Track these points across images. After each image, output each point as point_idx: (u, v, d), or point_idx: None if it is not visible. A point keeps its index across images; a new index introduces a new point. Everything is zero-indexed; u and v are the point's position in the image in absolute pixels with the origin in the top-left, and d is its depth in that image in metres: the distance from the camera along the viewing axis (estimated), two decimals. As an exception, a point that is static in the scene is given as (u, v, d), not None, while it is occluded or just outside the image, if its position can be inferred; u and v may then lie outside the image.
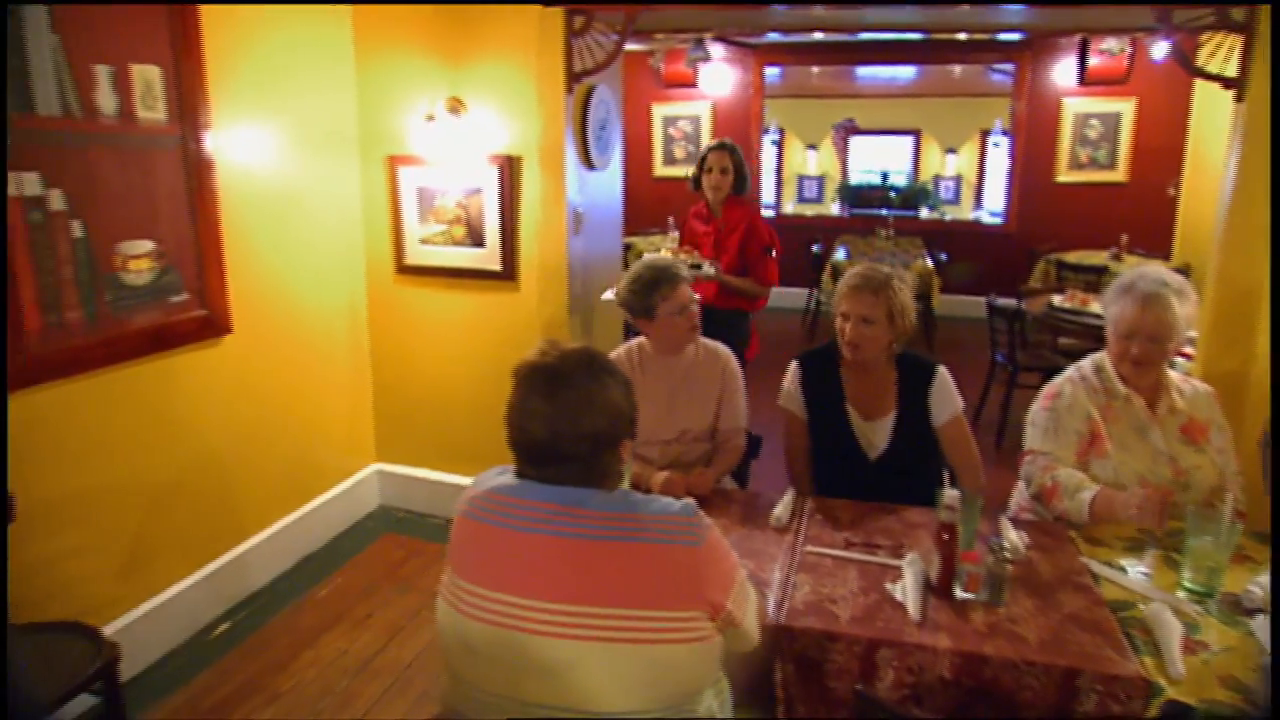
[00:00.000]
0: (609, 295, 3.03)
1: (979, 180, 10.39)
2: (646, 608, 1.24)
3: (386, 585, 3.23)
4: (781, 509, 2.13)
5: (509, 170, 3.29)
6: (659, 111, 8.39)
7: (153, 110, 2.60)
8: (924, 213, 9.69)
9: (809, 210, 10.65)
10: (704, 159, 3.51)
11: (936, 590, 1.80)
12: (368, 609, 3.07)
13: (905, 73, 10.15)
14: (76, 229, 2.37)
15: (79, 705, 2.04)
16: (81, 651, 1.97)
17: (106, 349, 2.48)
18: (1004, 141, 9.28)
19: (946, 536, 1.78)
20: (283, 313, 3.21)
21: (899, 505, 2.20)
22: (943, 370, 2.35)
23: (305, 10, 3.22)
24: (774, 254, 3.53)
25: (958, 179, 10.64)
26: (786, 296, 8.45)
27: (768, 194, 8.96)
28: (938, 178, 10.65)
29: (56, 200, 2.31)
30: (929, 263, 6.71)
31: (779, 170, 10.49)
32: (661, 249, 3.59)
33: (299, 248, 3.29)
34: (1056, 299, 4.99)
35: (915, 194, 9.94)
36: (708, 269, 3.36)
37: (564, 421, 1.30)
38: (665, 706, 1.27)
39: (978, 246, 8.11)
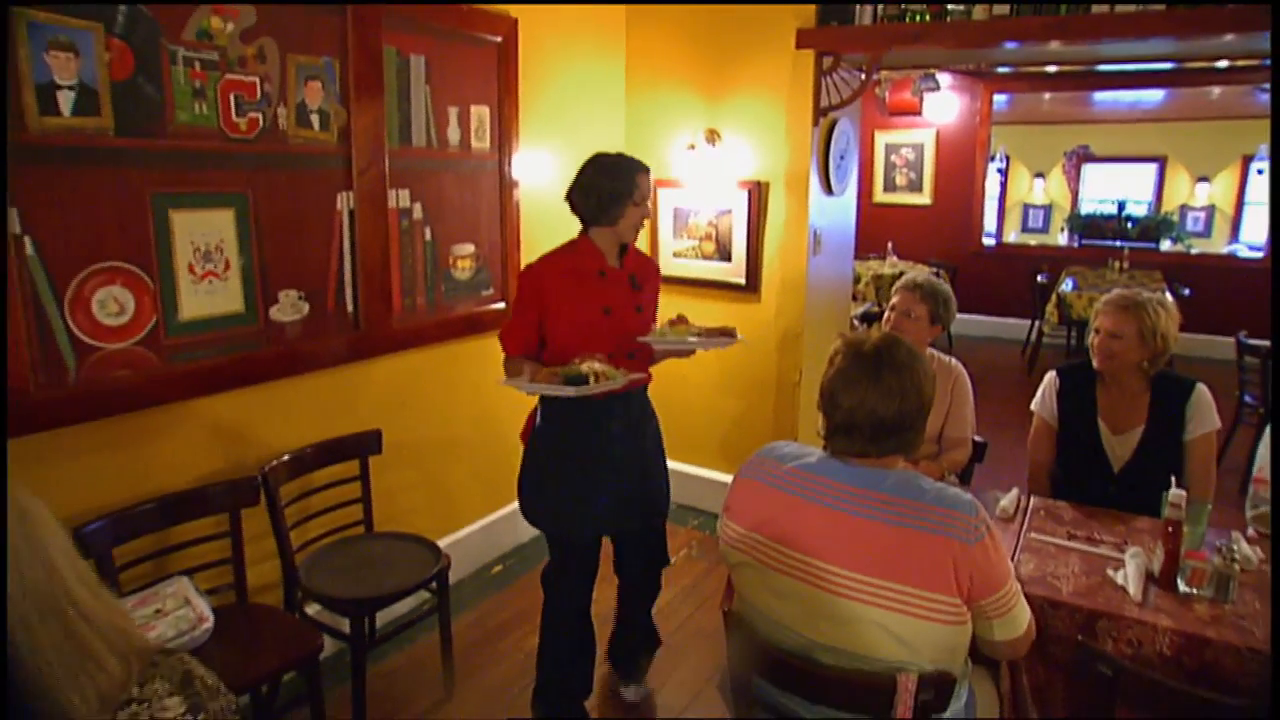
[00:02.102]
0: (859, 311, 3.28)
1: (1237, 210, 9.56)
2: (912, 584, 1.45)
3: (627, 551, 3.70)
4: (1007, 501, 2.34)
5: (757, 194, 3.70)
6: (881, 139, 8.52)
7: (482, 141, 3.26)
8: (1165, 245, 9.07)
9: (1032, 240, 10.28)
10: (635, 186, 2.39)
11: (1159, 581, 1.95)
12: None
13: (1151, 96, 9.54)
14: (427, 234, 3.05)
15: (417, 599, 2.65)
16: (426, 556, 2.57)
17: (439, 329, 3.15)
18: (1269, 169, 8.53)
19: (1171, 529, 1.93)
20: (556, 311, 3.80)
21: (1127, 514, 2.33)
22: (1203, 387, 2.39)
23: (590, 55, 3.82)
24: None
25: (1209, 209, 9.82)
26: (1004, 327, 8.27)
27: (989, 223, 8.79)
28: (1185, 208, 9.90)
29: (417, 211, 3.00)
30: (1168, 297, 6.35)
31: (1002, 199, 10.22)
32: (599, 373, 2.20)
33: (572, 256, 3.87)
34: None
35: (1156, 225, 9.32)
36: (727, 339, 2.43)
37: (912, 395, 1.53)
38: (930, 660, 1.51)
39: (1229, 282, 7.49)
